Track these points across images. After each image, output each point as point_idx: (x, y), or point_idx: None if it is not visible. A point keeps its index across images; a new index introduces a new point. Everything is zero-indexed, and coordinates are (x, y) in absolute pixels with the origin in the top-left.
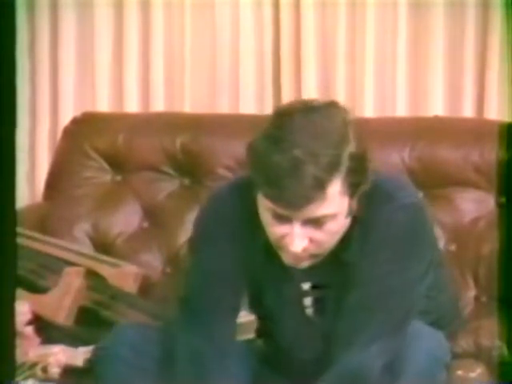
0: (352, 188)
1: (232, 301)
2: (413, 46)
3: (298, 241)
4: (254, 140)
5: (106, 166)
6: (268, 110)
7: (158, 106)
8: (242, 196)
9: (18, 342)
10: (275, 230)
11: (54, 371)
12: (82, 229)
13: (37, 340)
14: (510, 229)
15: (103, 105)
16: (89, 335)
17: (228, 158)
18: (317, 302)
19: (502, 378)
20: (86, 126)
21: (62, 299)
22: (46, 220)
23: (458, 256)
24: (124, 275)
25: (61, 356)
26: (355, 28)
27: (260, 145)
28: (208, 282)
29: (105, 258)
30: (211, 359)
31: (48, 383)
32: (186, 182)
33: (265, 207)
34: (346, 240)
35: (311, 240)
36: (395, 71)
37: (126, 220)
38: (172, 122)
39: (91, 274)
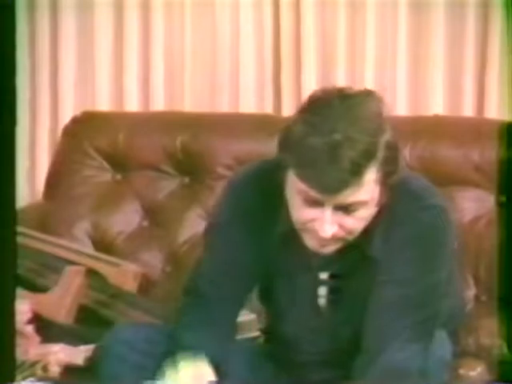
0: (385, 177)
1: (240, 291)
2: (413, 46)
3: (328, 226)
4: (291, 124)
5: (106, 164)
6: (268, 109)
7: (158, 105)
8: (262, 182)
9: (18, 341)
10: (304, 213)
11: (54, 370)
12: (82, 228)
13: (37, 339)
14: (510, 228)
15: (103, 104)
16: (89, 334)
17: (228, 156)
18: (332, 293)
19: (502, 377)
20: (86, 125)
21: (62, 298)
22: (46, 219)
23: (458, 255)
24: (124, 274)
25: (61, 355)
26: (355, 28)
27: (298, 128)
28: (219, 269)
29: (105, 257)
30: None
31: (48, 382)
32: (186, 180)
33: (296, 190)
34: (368, 232)
35: (341, 226)
36: (395, 70)
37: (125, 219)
38: (172, 121)
39: (91, 273)
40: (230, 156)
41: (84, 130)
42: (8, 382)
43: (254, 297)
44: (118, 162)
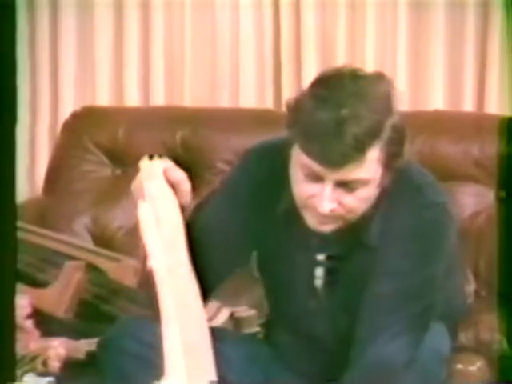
0: (389, 159)
1: (229, 249)
2: (413, 42)
3: (327, 202)
4: (300, 98)
5: (105, 160)
6: (268, 104)
7: (158, 99)
8: (273, 158)
9: (18, 335)
10: (305, 188)
11: (54, 365)
12: (82, 223)
13: (37, 333)
14: (510, 223)
15: (103, 99)
16: (89, 329)
17: (228, 152)
18: (328, 274)
19: (501, 372)
20: (85, 120)
21: (62, 293)
22: (46, 214)
23: (458, 250)
24: (124, 269)
25: (61, 349)
26: (355, 28)
27: (306, 102)
28: (215, 225)
29: (105, 252)
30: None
31: (48, 377)
32: (186, 176)
33: (300, 164)
34: (367, 219)
35: (340, 203)
36: (395, 65)
37: (125, 214)
38: (172, 116)
39: (91, 268)
40: (230, 151)
41: (84, 125)
42: (8, 377)
43: (254, 293)
44: (118, 157)
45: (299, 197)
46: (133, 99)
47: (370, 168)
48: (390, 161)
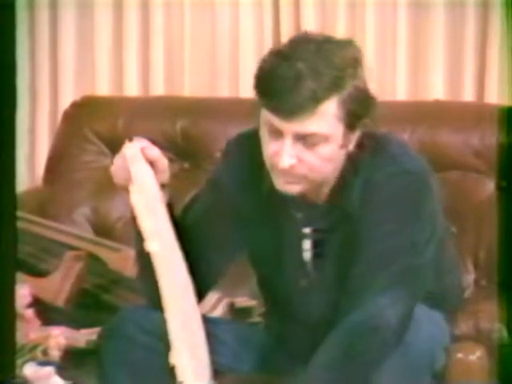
0: (350, 118)
1: (221, 241)
2: (413, 30)
3: (287, 156)
4: (264, 57)
5: (105, 149)
6: None
7: (158, 89)
8: (252, 146)
9: (19, 324)
10: (270, 146)
11: (54, 354)
12: (82, 213)
13: (37, 322)
14: (510, 212)
15: (103, 88)
16: (89, 319)
17: None
18: (316, 246)
19: (501, 361)
20: (85, 110)
21: (63, 283)
22: (46, 204)
23: (457, 240)
24: (124, 259)
25: (61, 338)
26: (355, 28)
27: (267, 58)
28: (204, 223)
29: (105, 241)
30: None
31: (48, 366)
32: (186, 165)
33: (264, 124)
34: (344, 186)
35: (301, 160)
36: (395, 55)
37: (125, 204)
38: (172, 106)
39: (92, 258)
40: None
41: (84, 114)
42: (8, 366)
43: (254, 283)
44: (118, 147)
45: (266, 157)
46: (133, 89)
47: (327, 122)
48: (352, 121)
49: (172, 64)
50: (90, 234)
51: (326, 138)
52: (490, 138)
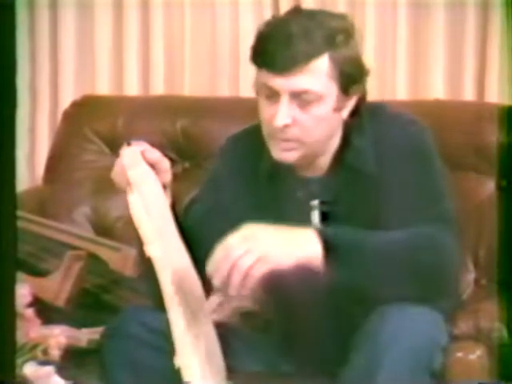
0: (343, 79)
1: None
2: (413, 30)
3: (282, 115)
4: (259, 28)
5: (105, 149)
6: None
7: (158, 89)
8: (247, 140)
9: (19, 324)
10: (266, 111)
11: (55, 353)
12: (82, 212)
13: (37, 322)
14: (510, 212)
15: (103, 88)
16: (89, 319)
17: None
18: (324, 218)
19: (501, 360)
20: (85, 110)
21: (63, 283)
22: (46, 203)
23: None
24: (125, 259)
25: (61, 338)
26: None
27: (262, 26)
28: (205, 223)
29: (105, 241)
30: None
31: (48, 365)
32: (187, 165)
33: (261, 90)
34: (353, 150)
35: (295, 121)
36: (395, 54)
37: (125, 203)
38: (172, 106)
39: (92, 258)
40: None
41: (84, 114)
42: (8, 366)
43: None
44: (118, 146)
45: (263, 124)
46: (133, 88)
47: (320, 80)
48: (345, 83)
49: (172, 63)
50: (90, 234)
51: (319, 97)
52: (490, 138)
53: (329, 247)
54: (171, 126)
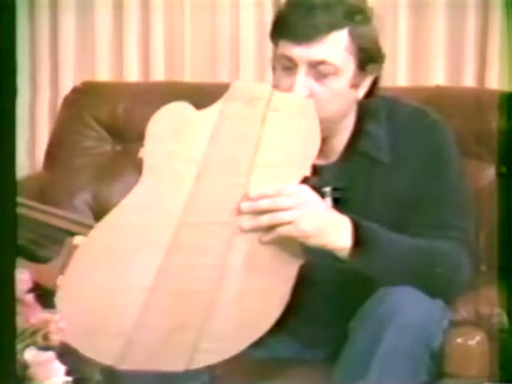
0: (361, 55)
1: None
2: (414, 15)
3: (299, 86)
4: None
5: (106, 135)
6: (268, 79)
7: (159, 75)
8: None
9: (19, 309)
10: (283, 83)
11: (56, 339)
12: (83, 199)
13: (38, 308)
14: (511, 199)
15: (103, 74)
16: None
17: None
18: (336, 204)
19: (501, 346)
20: (86, 96)
21: (63, 269)
22: (46, 190)
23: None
24: None
25: (62, 323)
26: None
27: (284, 6)
28: None
29: None
30: None
31: (49, 351)
32: None
33: (279, 60)
34: (365, 131)
35: (312, 93)
36: (396, 40)
37: (126, 190)
38: (172, 91)
39: None
40: None
41: (84, 100)
42: (8, 351)
43: None
44: (119, 133)
45: None
46: (133, 74)
47: (338, 53)
48: (363, 59)
49: (173, 49)
50: (90, 220)
51: (336, 70)
52: (490, 124)
53: (358, 240)
54: None
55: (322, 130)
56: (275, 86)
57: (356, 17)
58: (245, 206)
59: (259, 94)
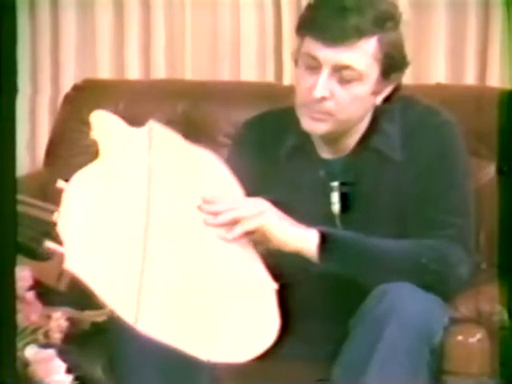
0: (386, 62)
1: None
2: (415, 12)
3: (321, 87)
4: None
5: None
6: (269, 77)
7: (159, 72)
8: (265, 121)
9: (20, 307)
10: (305, 81)
11: (56, 336)
12: None
13: (39, 305)
14: (511, 196)
15: (104, 72)
16: (91, 302)
17: (229, 125)
18: (344, 199)
19: (501, 343)
20: (86, 93)
21: (64, 267)
22: (47, 187)
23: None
24: None
25: (63, 321)
26: None
27: (315, 2)
28: None
29: None
30: None
31: (50, 349)
32: None
33: (303, 58)
34: (378, 128)
35: (332, 95)
36: None
37: None
38: (173, 89)
39: None
40: (231, 124)
41: (85, 97)
42: (9, 349)
43: None
44: None
45: (299, 93)
46: (134, 72)
47: (365, 59)
48: (387, 67)
49: (173, 47)
50: None
51: (359, 76)
52: (491, 122)
53: (325, 242)
54: (172, 109)
55: (337, 130)
56: (296, 82)
57: (386, 24)
58: (209, 219)
59: None
